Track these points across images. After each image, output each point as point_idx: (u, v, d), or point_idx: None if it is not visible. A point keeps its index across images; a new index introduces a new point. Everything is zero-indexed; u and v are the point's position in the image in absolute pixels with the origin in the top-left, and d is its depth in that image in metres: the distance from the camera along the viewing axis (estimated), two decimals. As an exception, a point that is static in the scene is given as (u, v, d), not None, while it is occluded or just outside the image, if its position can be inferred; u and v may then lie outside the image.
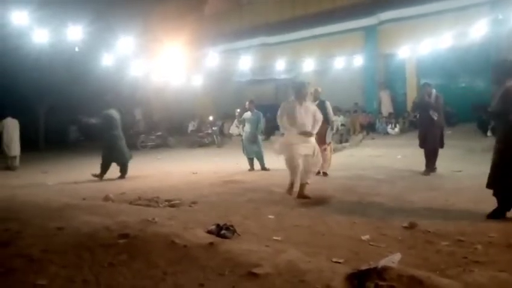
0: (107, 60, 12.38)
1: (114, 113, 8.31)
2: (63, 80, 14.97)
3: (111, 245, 3.14)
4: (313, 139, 5.67)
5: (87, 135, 17.54)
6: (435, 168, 7.29)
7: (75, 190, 6.94)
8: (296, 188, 5.57)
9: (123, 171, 8.31)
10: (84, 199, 5.78)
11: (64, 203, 4.99)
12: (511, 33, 10.71)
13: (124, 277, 2.70)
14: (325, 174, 7.46)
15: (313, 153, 5.60)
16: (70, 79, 15.11)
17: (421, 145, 7.49)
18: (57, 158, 13.18)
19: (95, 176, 8.08)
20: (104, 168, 8.16)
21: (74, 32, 10.12)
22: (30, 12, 9.14)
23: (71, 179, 8.20)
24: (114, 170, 8.29)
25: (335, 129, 14.16)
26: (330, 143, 7.71)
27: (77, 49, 11.61)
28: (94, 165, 8.32)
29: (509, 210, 4.22)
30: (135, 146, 15.56)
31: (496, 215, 4.22)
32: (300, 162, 5.55)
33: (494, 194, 4.29)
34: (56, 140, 17.75)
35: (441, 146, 7.31)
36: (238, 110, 9.78)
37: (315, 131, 5.66)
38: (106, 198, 5.81)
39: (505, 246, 3.41)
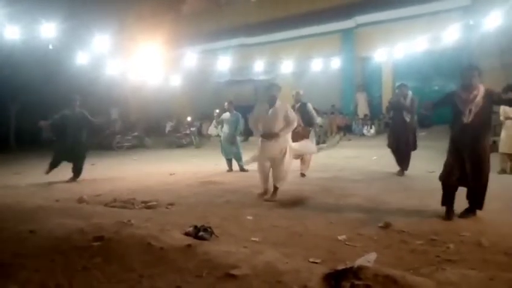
0: (82, 58, 12.11)
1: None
2: (36, 78, 14.54)
3: (85, 248, 3.07)
4: (284, 141, 5.63)
5: (60, 136, 17.08)
6: (402, 170, 7.45)
7: (48, 192, 6.75)
8: (268, 192, 5.72)
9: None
10: (57, 201, 5.63)
11: (37, 205, 4.85)
12: (481, 39, 11.08)
13: (99, 281, 2.64)
14: (303, 175, 7.52)
15: (282, 155, 5.60)
16: (43, 77, 14.69)
17: (390, 146, 7.56)
18: (30, 159, 12.79)
19: (73, 180, 7.89)
20: (81, 169, 7.99)
21: (48, 29, 9.85)
22: (0, 8, 8.85)
23: (44, 180, 7.97)
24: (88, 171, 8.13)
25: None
26: None
27: (51, 47, 11.31)
28: (67, 167, 8.09)
29: (480, 209, 4.36)
30: (111, 146, 15.31)
31: (467, 214, 4.36)
32: (268, 165, 5.71)
33: (467, 197, 4.44)
34: (28, 139, 17.22)
35: (414, 148, 7.46)
36: (217, 111, 9.74)
37: (283, 133, 5.60)
38: (80, 200, 5.68)
39: (475, 244, 3.53)
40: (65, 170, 8.14)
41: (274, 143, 5.60)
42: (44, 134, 18.26)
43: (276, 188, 5.67)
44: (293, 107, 7.16)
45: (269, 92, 5.77)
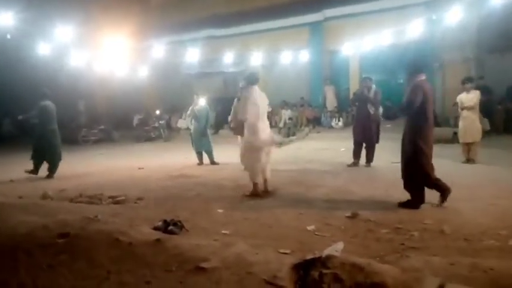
0: (44, 49, 11.62)
1: (51, 105, 7.74)
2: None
3: (50, 245, 2.98)
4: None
5: (22, 130, 16.38)
6: (357, 162, 7.64)
7: (10, 188, 6.50)
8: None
9: (52, 170, 7.79)
10: (20, 197, 5.42)
11: (-3, 202, 4.65)
12: (444, 33, 11.43)
13: (65, 278, 2.58)
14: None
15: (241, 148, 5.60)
16: (2, 68, 14.02)
17: (357, 138, 7.68)
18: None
19: (28, 172, 7.61)
20: (55, 164, 7.72)
21: (5, 18, 9.38)
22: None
23: (5, 176, 7.64)
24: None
25: (282, 123, 14.46)
26: None
27: (9, 36, 10.77)
28: (30, 161, 7.78)
29: (422, 203, 4.54)
30: (76, 140, 14.84)
31: (409, 205, 4.53)
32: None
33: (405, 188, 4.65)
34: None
35: (377, 141, 7.63)
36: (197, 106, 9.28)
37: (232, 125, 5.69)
38: (45, 196, 5.51)
39: (438, 232, 3.68)
40: (27, 166, 7.83)
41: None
42: (5, 128, 17.55)
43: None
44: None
45: (245, 81, 5.71)
